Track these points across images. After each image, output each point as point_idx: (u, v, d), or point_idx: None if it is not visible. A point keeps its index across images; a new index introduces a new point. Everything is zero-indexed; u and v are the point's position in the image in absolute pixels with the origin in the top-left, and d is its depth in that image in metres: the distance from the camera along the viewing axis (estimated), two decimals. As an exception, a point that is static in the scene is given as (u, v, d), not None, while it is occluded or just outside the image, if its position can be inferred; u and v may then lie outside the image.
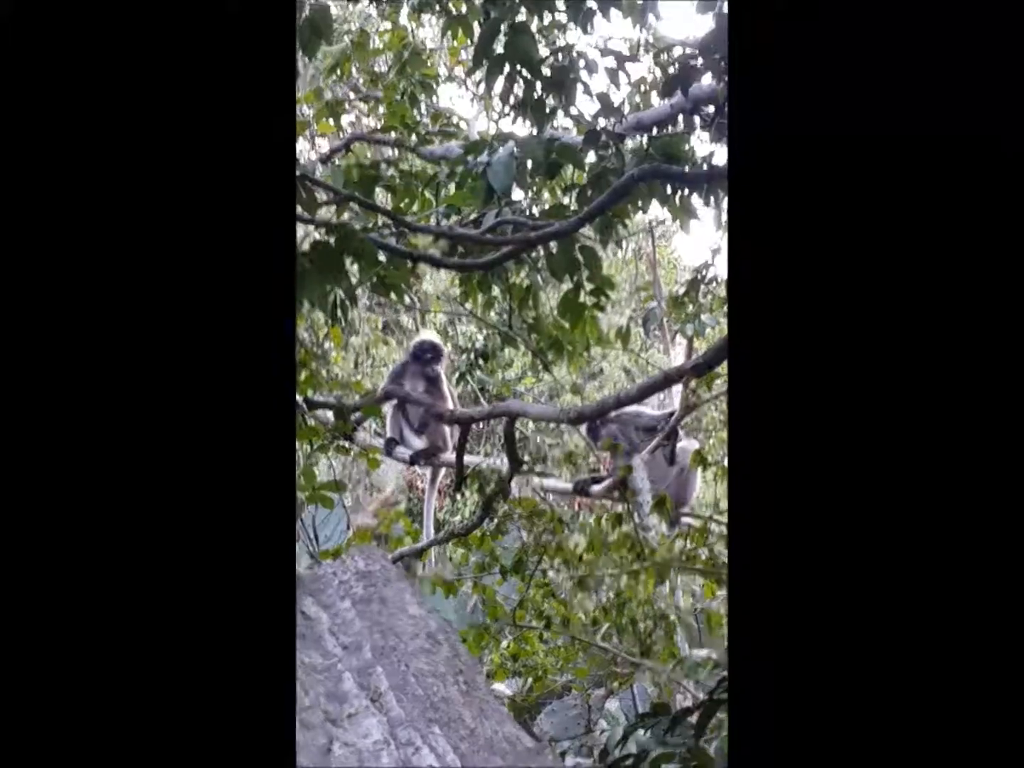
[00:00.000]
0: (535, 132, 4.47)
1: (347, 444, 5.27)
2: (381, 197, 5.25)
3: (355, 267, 4.22)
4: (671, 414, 7.67)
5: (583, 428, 7.46)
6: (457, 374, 6.99)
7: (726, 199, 5.03)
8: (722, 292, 5.42)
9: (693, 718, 3.73)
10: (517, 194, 4.64)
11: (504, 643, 6.10)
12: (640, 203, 4.79)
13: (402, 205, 4.89)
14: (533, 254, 4.86)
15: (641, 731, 3.78)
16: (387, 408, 7.88)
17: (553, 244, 4.68)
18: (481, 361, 6.38)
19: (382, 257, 4.68)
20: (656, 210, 5.29)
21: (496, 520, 5.70)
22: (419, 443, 7.90)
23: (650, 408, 8.71)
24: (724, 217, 5.49)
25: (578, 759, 4.50)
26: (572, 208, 4.60)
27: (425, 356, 6.84)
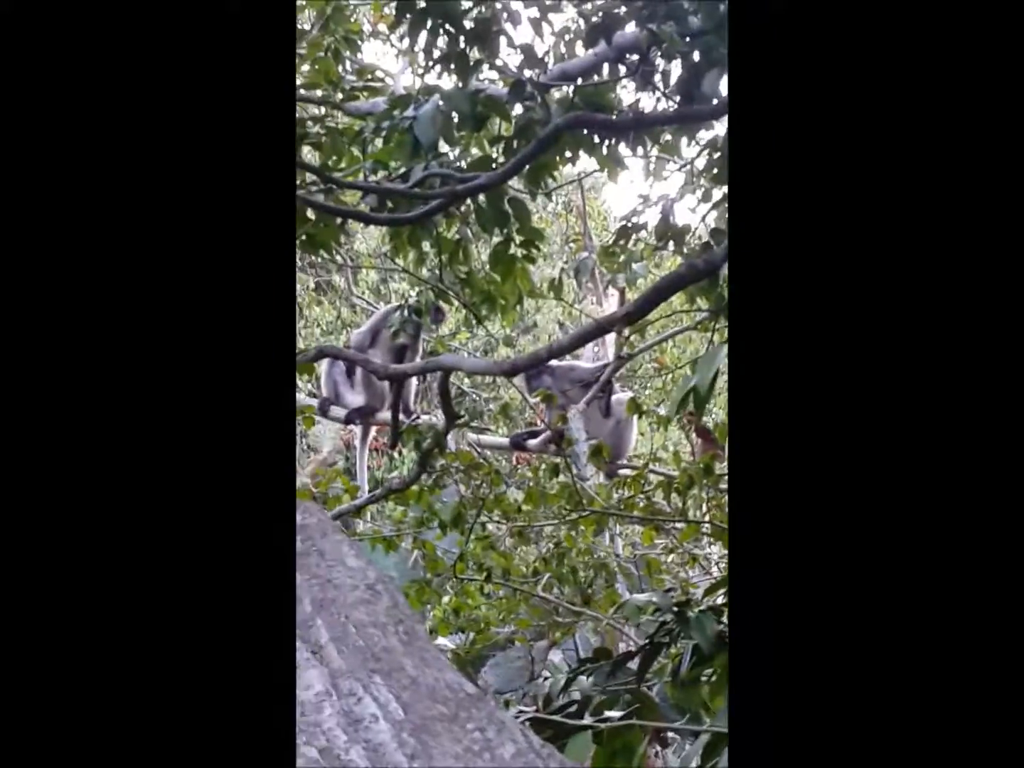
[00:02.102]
0: (460, 85, 4.45)
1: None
2: (307, 155, 5.22)
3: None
4: (605, 366, 7.71)
5: (519, 381, 7.49)
6: (392, 331, 6.96)
7: (654, 148, 5.05)
8: (651, 240, 5.43)
9: (635, 663, 3.78)
10: (444, 148, 4.63)
11: (446, 598, 6.12)
12: (568, 154, 4.78)
13: (329, 162, 4.87)
14: (462, 208, 4.85)
15: (583, 677, 3.82)
16: (322, 367, 7.87)
17: (482, 197, 4.67)
18: (415, 318, 6.35)
19: (310, 215, 4.66)
20: (585, 163, 5.29)
21: (433, 475, 5.71)
22: (356, 402, 7.90)
23: (584, 362, 8.75)
24: (652, 166, 5.50)
25: (521, 707, 4.52)
26: (499, 160, 4.59)
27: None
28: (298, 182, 4.29)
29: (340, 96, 5.12)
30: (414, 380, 7.68)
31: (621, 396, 7.74)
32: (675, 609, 3.54)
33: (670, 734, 4.49)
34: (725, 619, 3.38)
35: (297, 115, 4.76)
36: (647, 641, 3.73)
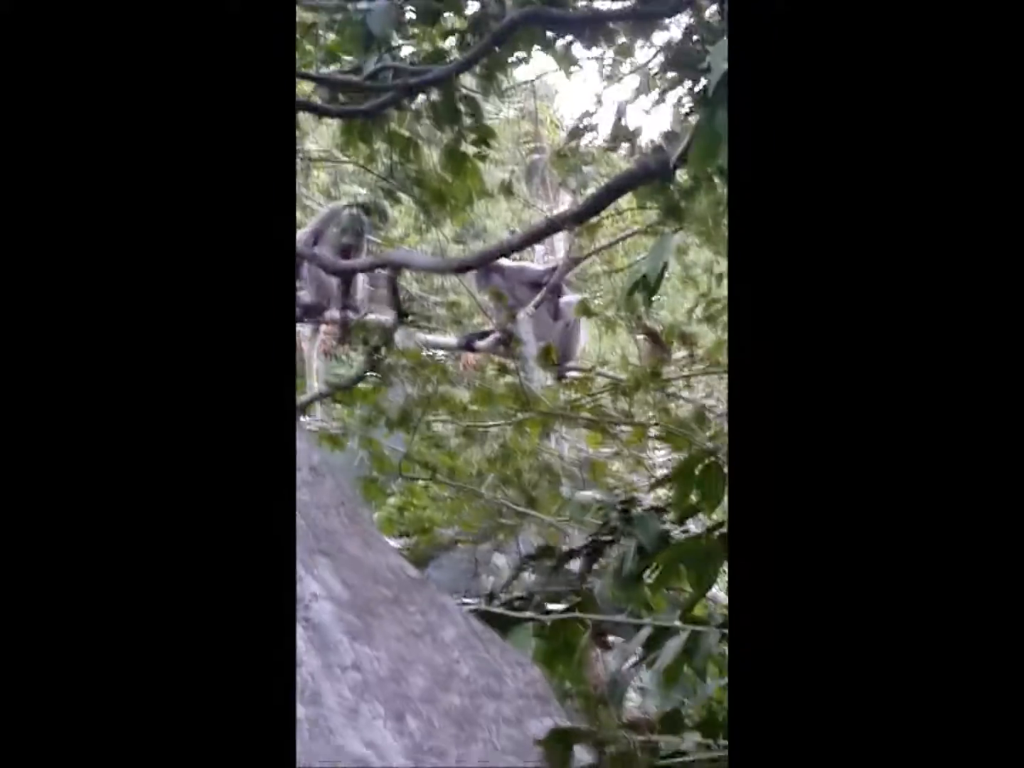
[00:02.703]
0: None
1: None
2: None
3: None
4: (555, 268, 7.70)
5: (469, 283, 7.48)
6: (340, 230, 6.92)
7: (609, 49, 5.01)
8: (602, 143, 5.41)
9: (577, 563, 3.80)
10: (397, 42, 4.58)
11: (391, 498, 6.12)
12: (522, 51, 4.74)
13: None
14: (414, 104, 4.81)
15: (526, 575, 3.84)
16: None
17: (435, 94, 4.64)
18: (365, 217, 6.31)
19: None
20: (539, 65, 5.25)
21: (380, 374, 5.69)
22: (304, 300, 7.86)
23: (534, 264, 8.74)
24: (607, 68, 5.46)
25: (464, 599, 4.55)
26: (453, 55, 4.55)
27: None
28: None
29: (292, -14, 5.04)
30: (362, 278, 7.64)
31: (570, 298, 7.73)
32: (619, 507, 3.55)
33: (611, 639, 4.53)
34: (667, 518, 3.39)
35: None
36: (590, 539, 3.75)
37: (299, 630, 1.78)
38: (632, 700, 4.08)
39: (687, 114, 4.54)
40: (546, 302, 7.27)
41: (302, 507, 1.95)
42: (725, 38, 2.16)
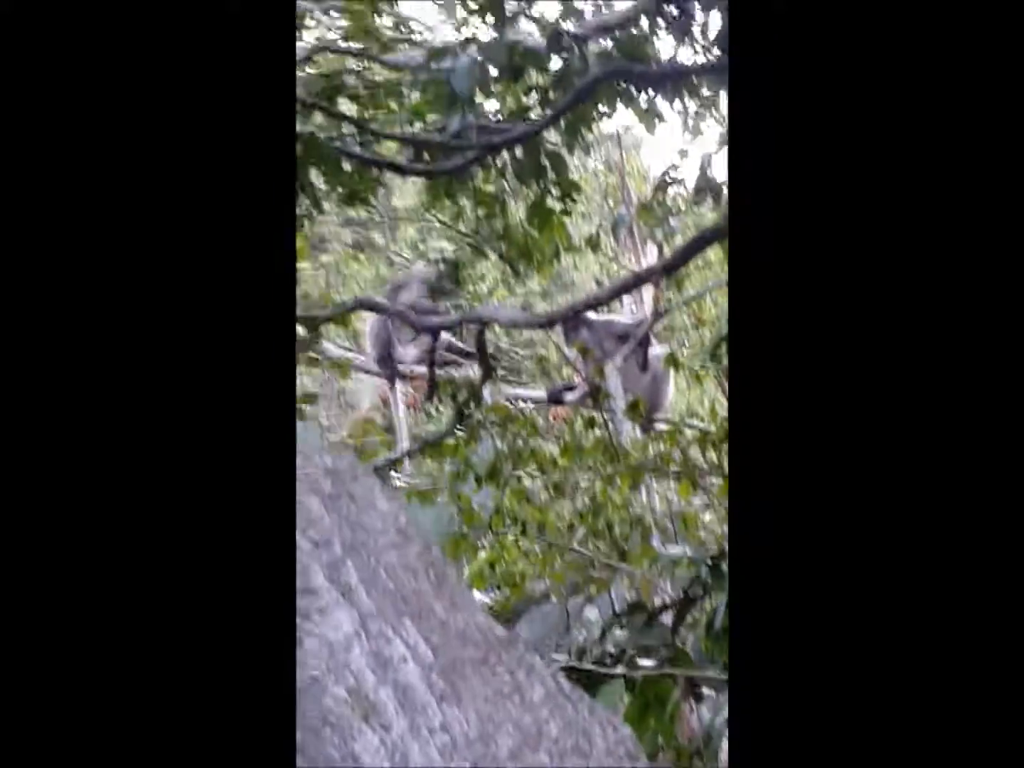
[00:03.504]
0: (497, 37, 4.43)
1: (318, 356, 5.26)
2: (345, 107, 5.21)
3: (320, 179, 4.20)
4: (642, 320, 7.68)
5: (556, 334, 7.48)
6: (428, 286, 6.96)
7: (692, 102, 5.02)
8: (688, 193, 5.40)
9: (669, 618, 3.79)
10: (481, 100, 4.61)
11: (482, 552, 6.11)
12: (606, 106, 4.76)
13: (366, 115, 4.86)
14: (499, 160, 4.84)
15: (618, 630, 3.83)
16: (368, 324, 7.86)
17: (519, 150, 4.66)
18: (451, 273, 6.35)
19: (347, 167, 4.65)
20: (623, 118, 5.26)
21: (469, 429, 5.70)
22: (406, 356, 7.89)
23: (622, 316, 8.73)
24: (691, 121, 5.47)
25: (554, 655, 4.53)
26: (536, 112, 4.58)
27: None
28: (335, 134, 4.29)
29: (377, 49, 5.10)
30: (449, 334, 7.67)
31: (658, 350, 7.71)
32: (709, 562, 3.53)
33: (705, 690, 4.50)
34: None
35: (335, 67, 4.76)
36: (682, 595, 3.73)
37: (388, 692, 1.78)
38: (726, 753, 4.04)
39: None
40: (634, 354, 7.25)
41: (389, 569, 1.96)
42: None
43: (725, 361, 2.56)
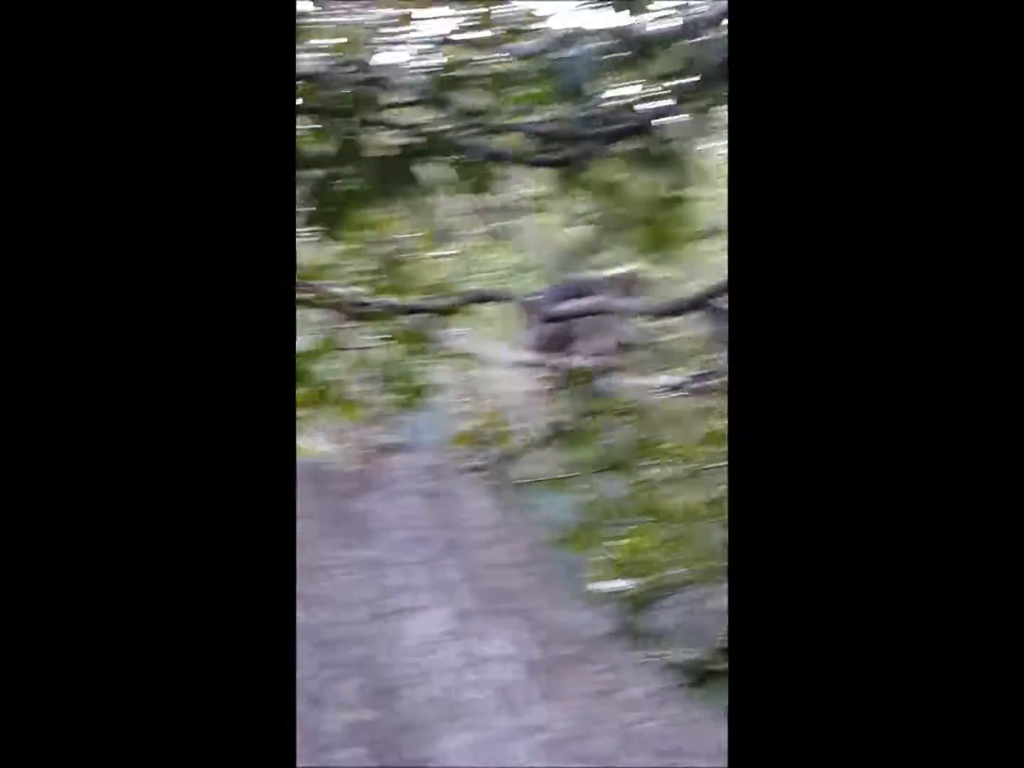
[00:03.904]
0: (619, 24, 4.39)
1: (444, 348, 5.27)
2: (461, 98, 5.21)
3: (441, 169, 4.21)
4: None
5: (689, 321, 7.41)
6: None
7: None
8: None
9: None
10: (599, 88, 4.57)
11: (616, 541, 6.10)
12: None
13: (485, 106, 4.85)
14: (623, 148, 4.80)
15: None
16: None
17: (642, 138, 4.63)
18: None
19: (472, 157, 4.66)
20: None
21: (601, 418, 5.69)
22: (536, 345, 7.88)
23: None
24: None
25: (686, 648, 4.52)
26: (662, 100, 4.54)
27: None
28: (453, 125, 4.29)
29: (497, 39, 5.09)
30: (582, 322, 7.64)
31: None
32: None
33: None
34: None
35: (455, 57, 4.76)
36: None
37: (486, 691, 1.78)
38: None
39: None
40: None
41: (493, 566, 1.96)
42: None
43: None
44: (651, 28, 4.49)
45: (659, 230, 5.22)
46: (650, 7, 4.54)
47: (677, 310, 5.30)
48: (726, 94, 4.63)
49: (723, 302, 7.24)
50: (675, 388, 7.92)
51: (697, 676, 2.83)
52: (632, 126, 4.36)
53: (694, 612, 6.38)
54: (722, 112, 5.09)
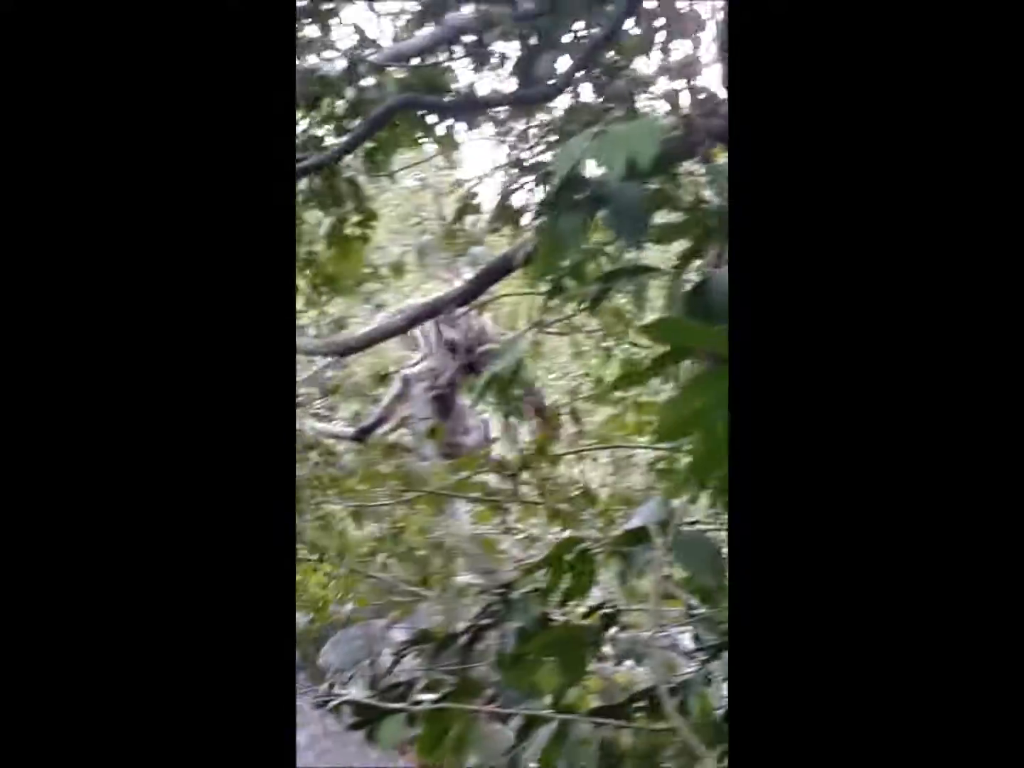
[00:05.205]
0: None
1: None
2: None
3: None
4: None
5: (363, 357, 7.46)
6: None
7: (494, 130, 5.06)
8: (484, 222, 5.44)
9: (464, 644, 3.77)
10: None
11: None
12: (404, 134, 4.79)
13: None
14: (298, 187, 4.83)
15: (410, 658, 3.81)
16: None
17: (317, 177, 4.66)
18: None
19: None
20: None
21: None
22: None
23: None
24: (498, 146, 5.50)
25: (352, 689, 4.53)
26: (332, 140, 4.59)
27: None
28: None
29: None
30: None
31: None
32: (497, 590, 3.54)
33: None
34: (547, 600, 3.38)
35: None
36: (472, 622, 3.73)
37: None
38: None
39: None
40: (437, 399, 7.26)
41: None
42: (571, 140, 2.15)
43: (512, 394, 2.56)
44: (325, 70, 4.54)
45: (334, 269, 5.26)
46: (324, 52, 4.61)
47: (344, 351, 5.33)
48: (399, 138, 4.73)
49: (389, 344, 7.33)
50: (348, 438, 7.95)
51: (373, 714, 2.83)
52: (305, 166, 4.39)
53: (367, 648, 6.41)
54: (395, 155, 5.17)
